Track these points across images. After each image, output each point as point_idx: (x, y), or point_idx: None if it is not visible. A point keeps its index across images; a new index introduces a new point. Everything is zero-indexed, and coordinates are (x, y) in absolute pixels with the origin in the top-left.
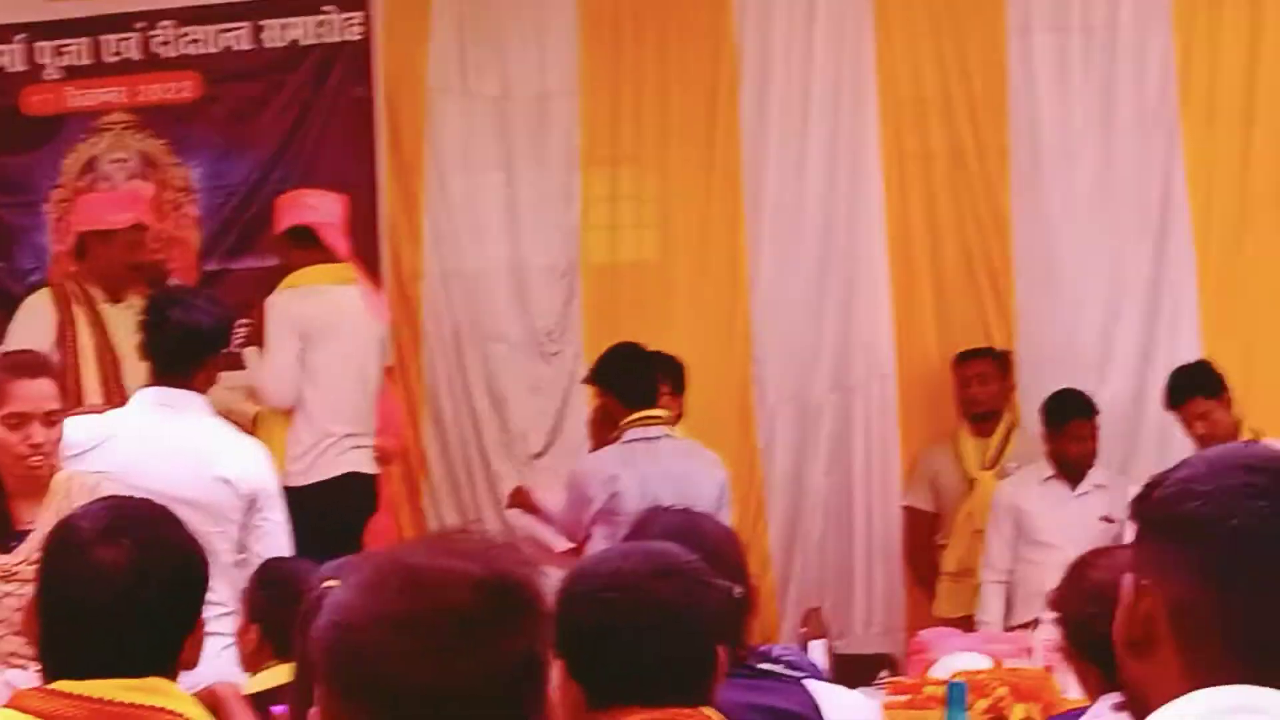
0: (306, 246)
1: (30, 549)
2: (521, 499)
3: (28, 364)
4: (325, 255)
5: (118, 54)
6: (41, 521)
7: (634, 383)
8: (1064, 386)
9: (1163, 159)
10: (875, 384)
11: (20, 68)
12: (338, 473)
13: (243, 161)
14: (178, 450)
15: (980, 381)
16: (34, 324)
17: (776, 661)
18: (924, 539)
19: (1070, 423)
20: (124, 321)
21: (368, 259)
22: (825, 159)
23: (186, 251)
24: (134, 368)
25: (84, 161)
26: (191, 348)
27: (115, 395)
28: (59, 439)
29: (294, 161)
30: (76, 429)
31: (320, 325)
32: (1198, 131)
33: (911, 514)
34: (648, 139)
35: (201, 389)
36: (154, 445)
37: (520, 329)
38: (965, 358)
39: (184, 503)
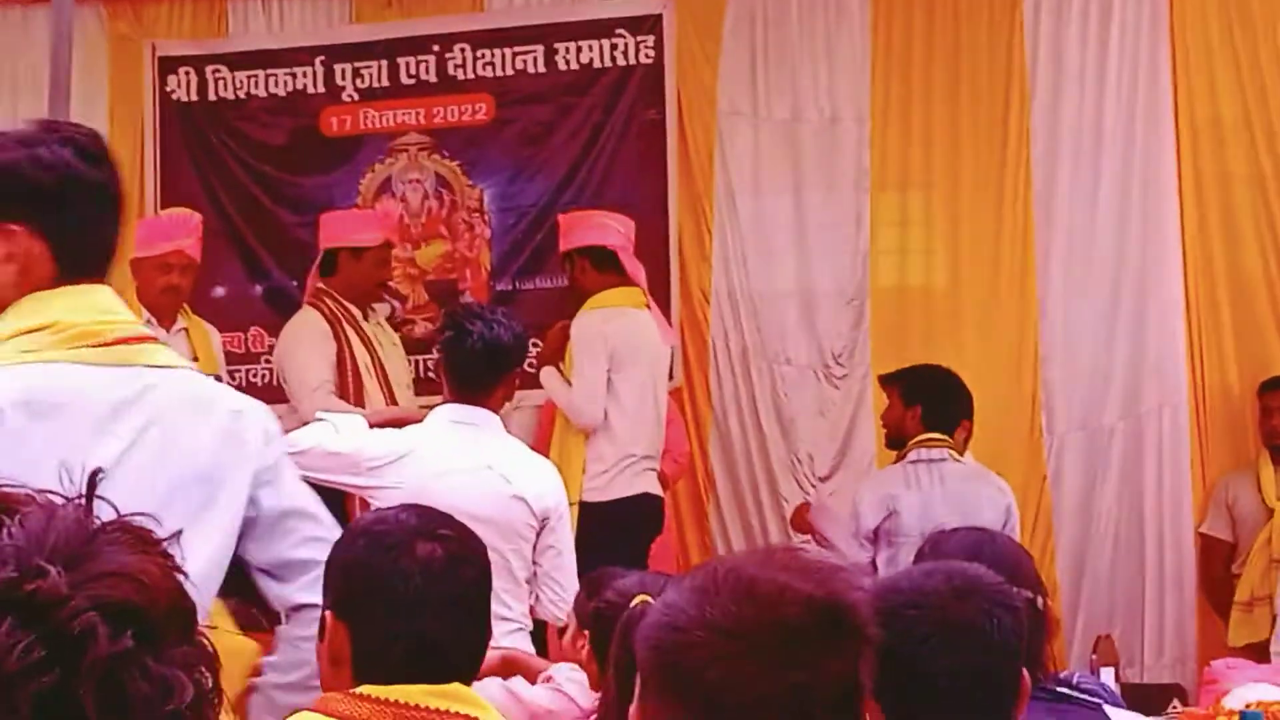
0: (605, 269)
1: None
2: (800, 520)
3: None
4: (622, 278)
5: (414, 76)
6: None
7: (937, 403)
8: None
9: None
10: (1167, 411)
11: (319, 89)
12: (634, 492)
13: (534, 183)
14: (476, 468)
15: None
16: (320, 345)
17: (1075, 687)
18: (1220, 567)
19: None
20: (379, 336)
21: (658, 280)
22: (1119, 182)
23: (478, 272)
24: (396, 384)
25: (380, 182)
26: (492, 364)
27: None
28: None
29: (585, 183)
30: (378, 443)
31: (626, 347)
32: None
33: (1208, 542)
34: (938, 163)
35: (497, 407)
36: (453, 462)
37: (808, 351)
38: (1269, 387)
39: (480, 520)
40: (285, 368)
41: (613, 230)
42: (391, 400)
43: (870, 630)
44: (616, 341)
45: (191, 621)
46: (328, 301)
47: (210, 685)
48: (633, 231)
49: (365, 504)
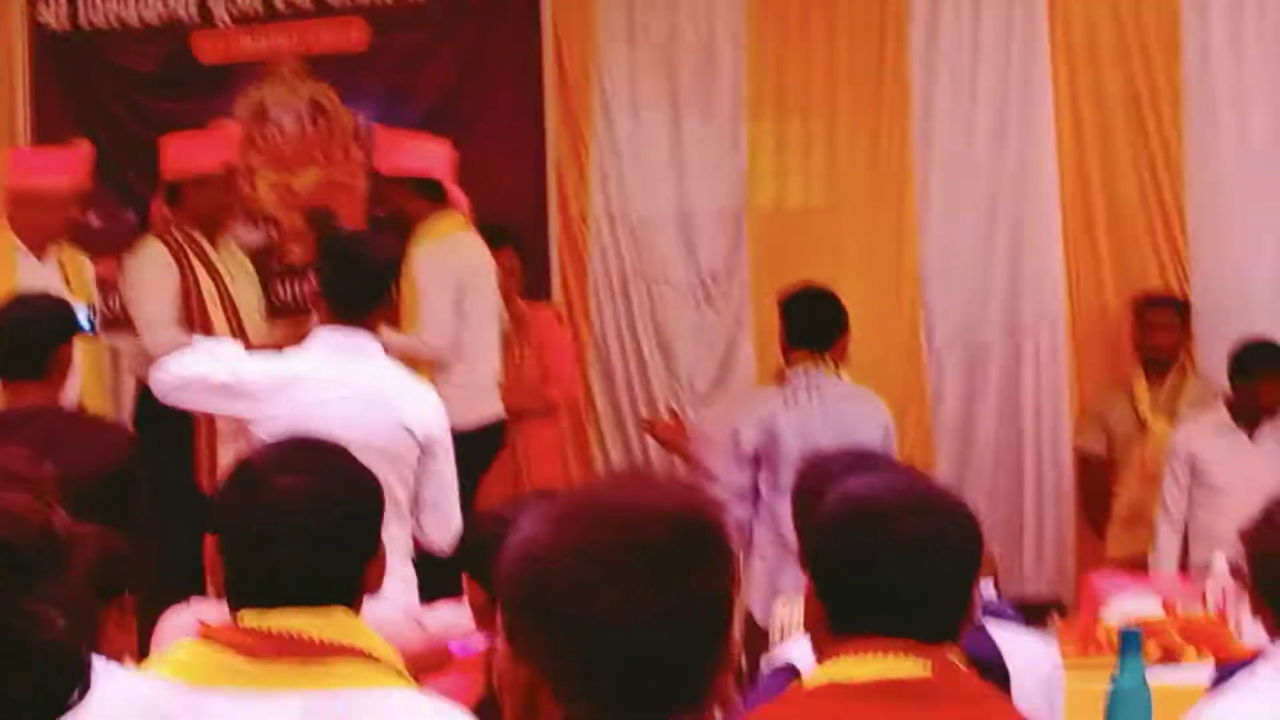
0: (430, 197)
1: None
2: (660, 431)
3: None
4: (446, 205)
5: (288, 2)
6: None
7: (806, 322)
8: (1240, 334)
9: None
10: (1045, 327)
11: (193, 16)
12: (493, 418)
13: (411, 108)
14: (359, 395)
15: (1163, 330)
16: (162, 276)
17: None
18: (1097, 483)
19: (1265, 373)
20: (231, 264)
21: (535, 203)
22: (995, 102)
23: (354, 198)
24: (248, 311)
25: (254, 106)
26: (369, 286)
27: (241, 341)
28: None
29: (462, 108)
30: (258, 370)
31: (472, 274)
32: None
33: (1084, 457)
34: (815, 84)
35: (376, 329)
36: (335, 389)
37: (687, 273)
38: (1148, 305)
39: (364, 446)
40: (128, 300)
41: (436, 158)
42: (240, 332)
43: (732, 544)
44: (463, 272)
45: (61, 557)
46: (174, 231)
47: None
48: (451, 154)
49: (212, 441)
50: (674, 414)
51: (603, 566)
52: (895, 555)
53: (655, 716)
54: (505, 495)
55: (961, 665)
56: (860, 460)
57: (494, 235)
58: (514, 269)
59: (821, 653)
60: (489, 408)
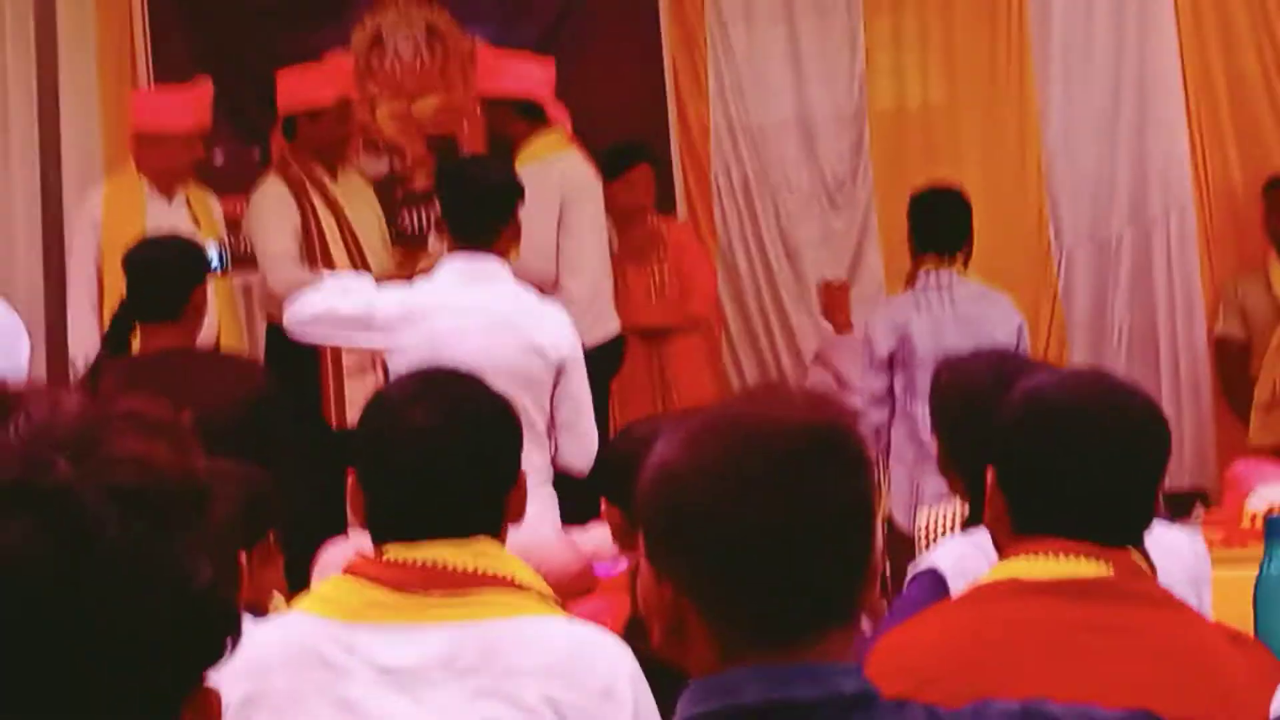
0: (532, 118)
1: None
2: (826, 295)
3: None
4: (548, 125)
5: None
6: None
7: (934, 226)
8: None
9: None
10: (1174, 216)
11: None
12: (608, 335)
13: (527, 26)
14: (490, 320)
15: None
16: (283, 213)
17: None
18: (1237, 368)
19: None
20: (352, 196)
21: (655, 118)
22: None
23: (475, 123)
24: (370, 243)
25: (371, 35)
26: (491, 209)
27: (364, 272)
28: None
29: (576, 25)
30: (389, 301)
31: (576, 189)
32: None
33: (1224, 344)
34: None
35: (504, 252)
36: (467, 317)
37: (810, 179)
38: (1274, 186)
39: (498, 371)
40: (251, 238)
41: (535, 78)
42: (362, 264)
43: (867, 451)
44: (565, 185)
45: (205, 504)
46: (293, 166)
47: (230, 567)
48: (552, 73)
49: (339, 377)
50: (842, 284)
51: (739, 482)
52: (1088, 459)
53: (802, 630)
54: (652, 413)
55: (1144, 567)
56: (1000, 360)
57: (630, 153)
58: (650, 186)
59: (1002, 550)
60: (604, 325)
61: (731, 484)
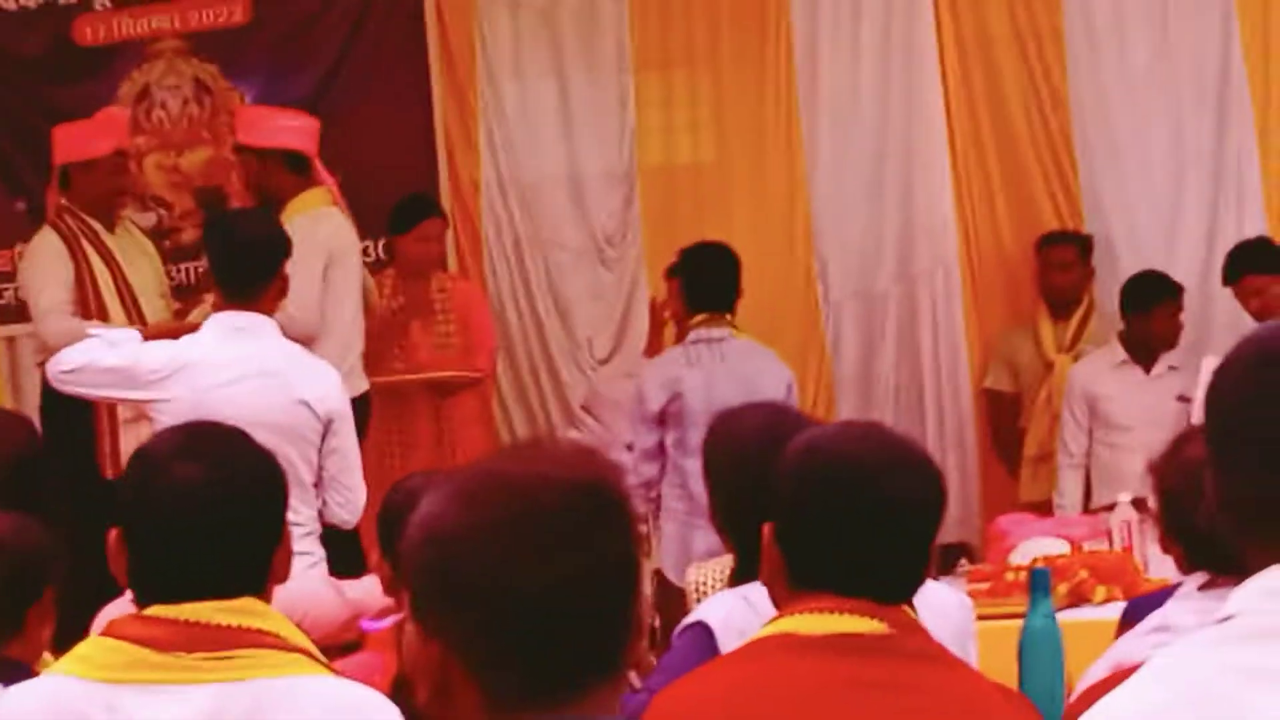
0: (300, 171)
1: None
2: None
3: None
4: (314, 180)
5: None
6: None
7: (704, 283)
8: (1135, 267)
9: (1218, 32)
10: (940, 272)
11: None
12: (364, 389)
13: (297, 82)
14: (256, 374)
15: (1063, 268)
16: (55, 266)
17: None
18: (1007, 420)
19: (1158, 305)
20: (128, 248)
21: (425, 171)
22: (879, 49)
23: (243, 177)
24: (146, 296)
25: (138, 90)
26: (258, 263)
27: (140, 325)
28: None
29: (347, 80)
30: (154, 355)
31: (340, 247)
32: (1252, 2)
33: (993, 396)
34: (699, 38)
35: (271, 309)
36: (232, 370)
37: (580, 235)
38: (1048, 243)
39: (264, 426)
40: (25, 290)
41: (304, 133)
42: (138, 314)
43: (633, 506)
44: (332, 243)
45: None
46: (67, 219)
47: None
48: (317, 129)
49: (114, 428)
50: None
51: (505, 538)
52: (865, 515)
53: (570, 686)
54: (433, 467)
55: (918, 623)
56: (772, 415)
57: (421, 206)
58: (442, 238)
59: (779, 606)
60: (353, 384)
61: (499, 544)
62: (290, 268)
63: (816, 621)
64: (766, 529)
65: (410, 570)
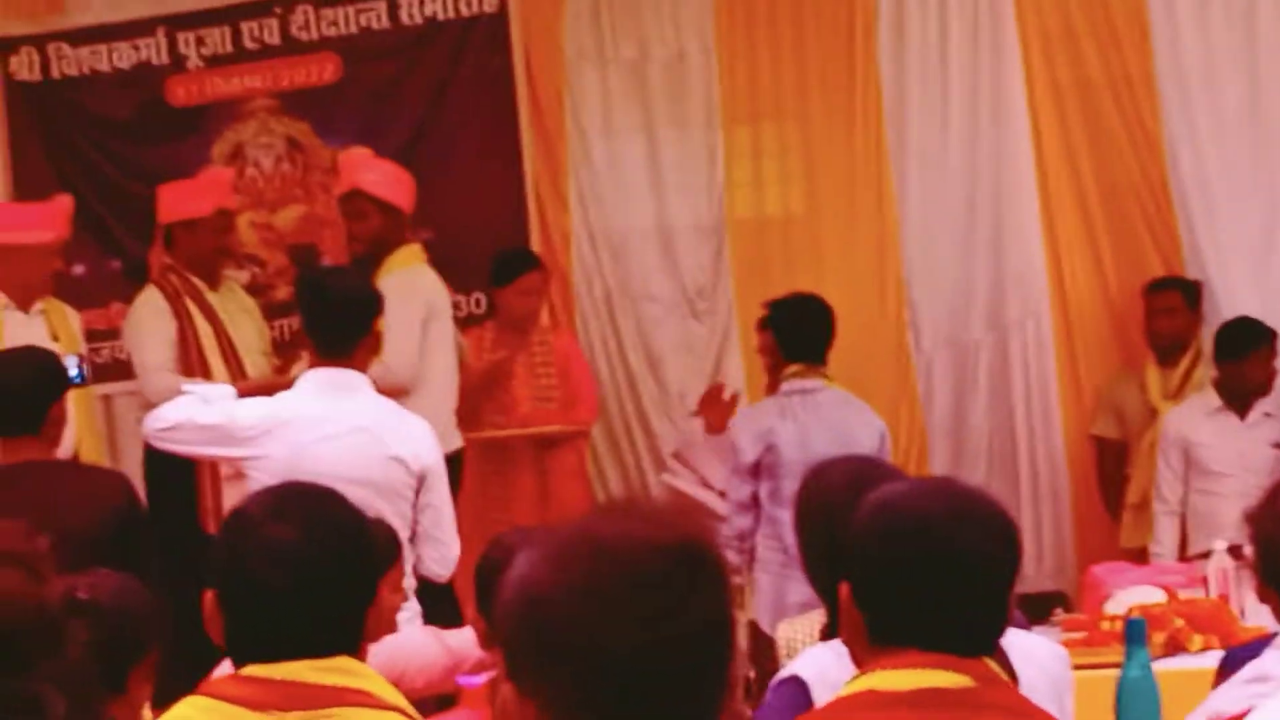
0: (398, 226)
1: None
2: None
3: None
4: (409, 237)
5: (257, 40)
6: None
7: (798, 335)
8: (1230, 313)
9: None
10: (1031, 322)
11: (163, 60)
12: (458, 446)
13: (386, 139)
14: (350, 431)
15: (1168, 314)
16: (158, 325)
17: None
18: (1114, 467)
19: (1252, 351)
20: (228, 306)
21: (517, 226)
22: (967, 97)
23: (337, 233)
24: (248, 353)
25: (231, 149)
26: (351, 320)
27: (241, 382)
28: None
29: (437, 136)
30: (249, 413)
31: (438, 302)
32: None
33: (1100, 443)
34: (787, 91)
35: (363, 365)
36: (325, 427)
37: (671, 289)
38: (1153, 289)
39: (358, 483)
40: (129, 349)
41: (406, 191)
42: (240, 371)
43: (726, 567)
44: (432, 297)
45: (58, 637)
46: (171, 277)
47: (86, 693)
48: (414, 188)
49: (216, 485)
50: (720, 387)
51: (601, 602)
52: (937, 570)
53: None
54: (534, 520)
55: (1002, 675)
56: (859, 468)
57: (523, 259)
58: (544, 292)
59: (860, 663)
60: (447, 441)
61: (592, 603)
62: (388, 320)
63: (899, 678)
64: (844, 588)
65: (505, 629)
